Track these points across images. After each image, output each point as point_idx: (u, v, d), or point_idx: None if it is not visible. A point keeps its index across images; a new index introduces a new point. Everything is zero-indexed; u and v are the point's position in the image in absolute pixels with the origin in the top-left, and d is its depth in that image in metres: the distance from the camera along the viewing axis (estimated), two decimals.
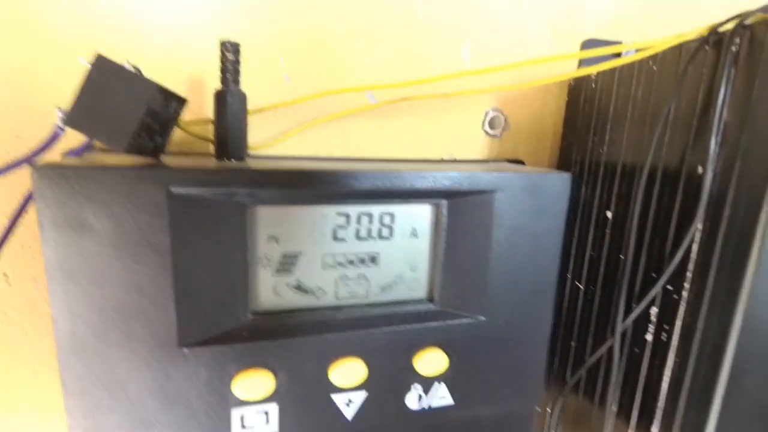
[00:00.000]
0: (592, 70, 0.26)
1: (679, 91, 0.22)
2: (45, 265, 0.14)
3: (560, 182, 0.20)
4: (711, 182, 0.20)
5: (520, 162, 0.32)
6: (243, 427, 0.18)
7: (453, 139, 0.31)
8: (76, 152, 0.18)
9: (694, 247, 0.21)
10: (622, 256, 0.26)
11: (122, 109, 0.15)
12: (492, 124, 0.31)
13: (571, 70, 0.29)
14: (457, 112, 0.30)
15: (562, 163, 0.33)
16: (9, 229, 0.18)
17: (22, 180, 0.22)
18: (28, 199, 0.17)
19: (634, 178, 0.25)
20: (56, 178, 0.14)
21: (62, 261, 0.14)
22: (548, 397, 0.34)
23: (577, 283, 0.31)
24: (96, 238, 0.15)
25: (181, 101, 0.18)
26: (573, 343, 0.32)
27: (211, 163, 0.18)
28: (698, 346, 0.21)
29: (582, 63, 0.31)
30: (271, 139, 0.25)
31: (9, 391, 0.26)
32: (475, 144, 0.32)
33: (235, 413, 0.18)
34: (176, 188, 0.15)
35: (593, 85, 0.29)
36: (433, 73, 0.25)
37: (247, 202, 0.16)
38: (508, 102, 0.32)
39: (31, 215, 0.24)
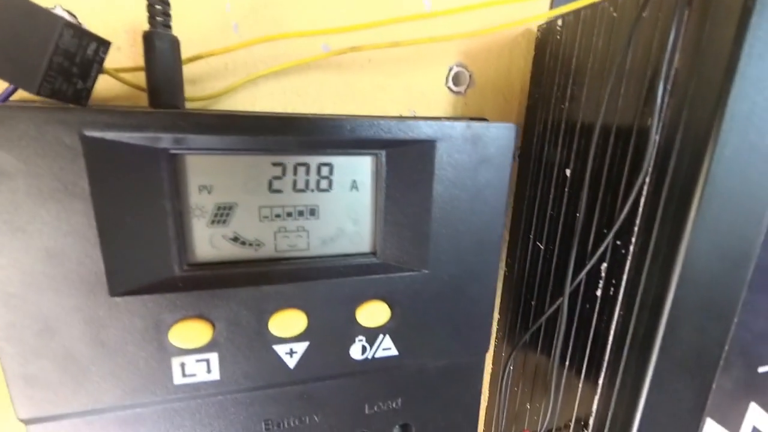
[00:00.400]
0: (554, 13, 0.25)
1: (632, 38, 0.21)
2: None
3: (504, 133, 0.19)
4: (659, 132, 0.20)
5: (485, 121, 0.31)
6: (185, 375, 0.18)
7: (415, 96, 0.30)
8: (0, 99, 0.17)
9: (642, 201, 0.21)
10: (578, 214, 0.26)
11: (29, 48, 0.14)
12: (456, 81, 0.30)
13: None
14: (419, 67, 0.29)
15: (528, 122, 0.32)
16: None
17: None
18: None
19: (592, 134, 0.24)
20: None
21: None
22: (507, 355, 0.35)
23: (538, 243, 0.31)
24: (13, 184, 0.14)
25: (104, 43, 0.17)
26: (533, 302, 0.32)
27: None
28: (641, 299, 0.22)
29: (554, 5, 0.30)
30: (217, 93, 0.24)
31: None
32: (438, 101, 0.31)
33: (175, 361, 0.18)
34: (90, 131, 0.15)
35: (558, 38, 0.28)
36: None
37: (171, 149, 0.16)
38: (474, 57, 0.30)
39: None
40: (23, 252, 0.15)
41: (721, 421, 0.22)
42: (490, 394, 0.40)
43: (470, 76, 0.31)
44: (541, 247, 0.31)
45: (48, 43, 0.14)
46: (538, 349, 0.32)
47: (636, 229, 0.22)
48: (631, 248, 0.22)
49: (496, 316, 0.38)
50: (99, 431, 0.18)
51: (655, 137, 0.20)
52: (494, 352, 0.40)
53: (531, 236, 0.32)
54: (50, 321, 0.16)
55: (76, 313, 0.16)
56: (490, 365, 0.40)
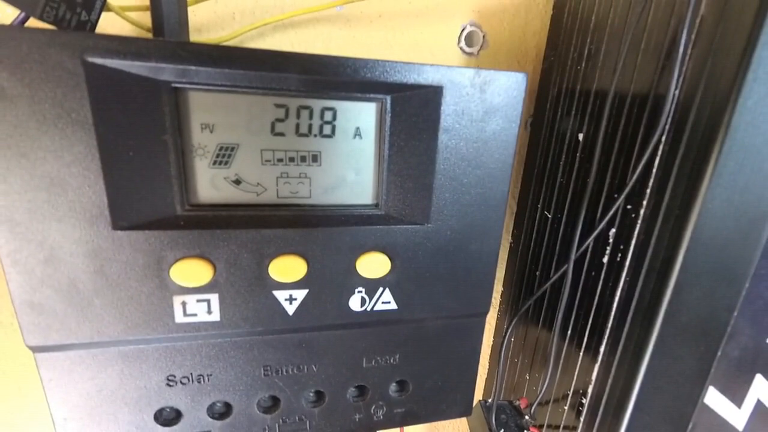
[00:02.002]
0: None
1: None
2: None
3: (515, 81, 0.19)
4: (679, 87, 0.19)
5: None
6: (186, 314, 0.19)
7: (424, 56, 0.29)
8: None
9: (656, 161, 0.21)
10: (589, 180, 0.25)
11: None
12: (469, 41, 0.29)
13: None
14: (430, 25, 0.29)
15: (542, 88, 0.31)
16: None
17: None
18: None
19: (607, 95, 0.23)
20: None
21: None
22: (509, 322, 0.35)
23: (546, 212, 0.31)
24: (15, 107, 0.14)
25: None
26: (537, 273, 0.32)
27: None
28: (649, 263, 0.21)
29: None
30: (221, 40, 0.24)
31: None
32: (449, 62, 0.30)
33: (177, 300, 0.18)
34: (93, 57, 0.14)
35: None
36: None
37: (174, 82, 0.16)
38: (488, 16, 0.29)
39: None
40: (27, 179, 0.15)
41: (724, 391, 0.22)
42: (489, 365, 0.40)
43: (484, 36, 0.30)
44: (549, 216, 0.30)
45: None
46: (540, 320, 0.32)
47: (648, 191, 0.21)
48: (642, 211, 0.22)
49: (499, 288, 0.38)
50: (102, 364, 0.19)
51: (674, 92, 0.19)
52: (495, 325, 0.40)
53: (539, 206, 0.32)
54: (55, 250, 0.16)
55: (79, 244, 0.16)
56: (491, 338, 0.40)
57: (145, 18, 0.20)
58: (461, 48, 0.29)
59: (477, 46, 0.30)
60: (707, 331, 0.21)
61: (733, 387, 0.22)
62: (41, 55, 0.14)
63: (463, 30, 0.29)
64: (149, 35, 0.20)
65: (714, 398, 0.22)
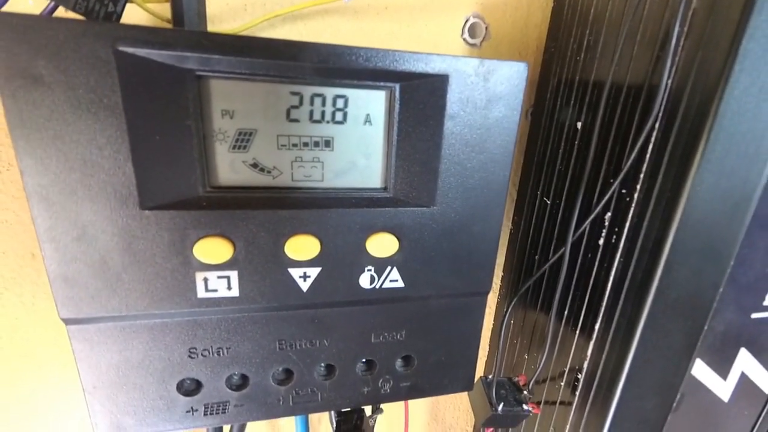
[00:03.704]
0: None
1: None
2: (5, 116, 0.15)
3: (517, 71, 0.20)
4: (672, 76, 0.20)
5: None
6: (207, 289, 0.20)
7: (430, 47, 0.30)
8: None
9: (650, 147, 0.22)
10: (586, 166, 0.26)
11: None
12: (472, 32, 0.30)
13: None
14: (435, 17, 0.30)
15: (542, 79, 0.32)
16: None
17: None
18: None
19: (605, 85, 0.25)
20: (4, 25, 0.14)
21: (21, 112, 0.15)
22: (508, 303, 0.36)
23: (545, 199, 0.32)
24: (50, 93, 0.15)
25: None
26: (536, 257, 0.33)
27: None
28: (641, 244, 0.22)
29: None
30: (234, 31, 0.25)
31: (10, 272, 0.28)
32: (453, 53, 0.31)
33: (199, 276, 0.20)
34: (123, 46, 0.15)
35: None
36: None
37: (197, 70, 0.17)
38: (491, 8, 0.30)
39: None
40: (63, 160, 0.16)
41: (710, 363, 0.23)
42: (489, 348, 0.42)
43: (486, 28, 0.31)
44: (548, 202, 0.32)
45: None
46: (538, 303, 0.33)
47: (642, 176, 0.22)
48: (636, 195, 0.23)
49: (499, 274, 0.39)
50: (129, 336, 0.20)
51: (667, 81, 0.20)
52: (495, 309, 0.41)
53: (539, 193, 0.33)
54: (87, 228, 0.18)
55: (109, 223, 0.18)
56: (491, 322, 0.41)
57: (164, 9, 0.21)
58: (464, 39, 0.30)
59: (480, 38, 0.30)
60: (695, 306, 0.22)
61: (719, 360, 0.24)
62: (76, 44, 0.15)
63: (466, 22, 0.30)
64: (168, 26, 0.21)
65: (701, 370, 0.24)
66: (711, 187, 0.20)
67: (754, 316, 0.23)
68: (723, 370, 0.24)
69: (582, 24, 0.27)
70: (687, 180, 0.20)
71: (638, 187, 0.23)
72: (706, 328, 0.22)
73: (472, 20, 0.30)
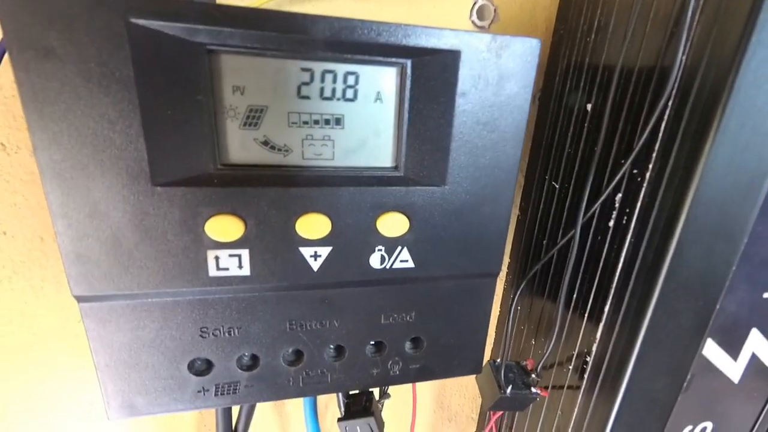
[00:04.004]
0: None
1: None
2: (18, 89, 0.15)
3: (529, 47, 0.20)
4: (686, 53, 0.20)
5: None
6: (218, 268, 0.20)
7: None
8: None
9: (662, 126, 0.22)
10: (595, 148, 0.26)
11: None
12: (480, 14, 0.30)
13: None
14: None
15: (551, 62, 0.32)
16: None
17: None
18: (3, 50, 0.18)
19: (616, 66, 0.24)
20: None
21: (34, 85, 0.15)
22: (516, 287, 0.36)
23: (553, 183, 0.32)
24: (61, 65, 0.15)
25: None
26: (545, 242, 0.33)
27: None
28: (653, 223, 0.22)
29: None
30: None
31: (19, 256, 0.28)
32: None
33: (211, 254, 0.20)
34: (135, 18, 0.15)
35: None
36: None
37: (208, 44, 0.17)
38: None
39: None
40: (75, 135, 0.16)
41: (721, 344, 0.23)
42: (495, 334, 0.42)
43: (495, 10, 0.30)
44: (557, 186, 0.31)
45: None
46: (546, 289, 0.33)
47: (654, 155, 0.22)
48: (648, 175, 0.23)
49: (506, 260, 0.39)
50: (141, 315, 0.20)
51: (681, 57, 0.20)
52: (502, 295, 0.41)
53: (546, 177, 0.33)
54: (99, 204, 0.17)
55: (121, 199, 0.18)
56: (497, 308, 0.41)
57: None
58: (473, 21, 0.30)
59: (488, 20, 0.30)
60: (706, 286, 0.22)
61: (729, 340, 0.24)
62: (89, 16, 0.15)
63: (474, 4, 0.30)
64: None
65: (712, 350, 0.24)
66: (725, 164, 0.20)
67: (767, 295, 0.23)
68: (734, 351, 0.24)
69: (592, 5, 0.27)
70: (700, 157, 0.20)
71: (650, 166, 0.22)
72: (717, 307, 0.22)
73: (480, 2, 0.30)
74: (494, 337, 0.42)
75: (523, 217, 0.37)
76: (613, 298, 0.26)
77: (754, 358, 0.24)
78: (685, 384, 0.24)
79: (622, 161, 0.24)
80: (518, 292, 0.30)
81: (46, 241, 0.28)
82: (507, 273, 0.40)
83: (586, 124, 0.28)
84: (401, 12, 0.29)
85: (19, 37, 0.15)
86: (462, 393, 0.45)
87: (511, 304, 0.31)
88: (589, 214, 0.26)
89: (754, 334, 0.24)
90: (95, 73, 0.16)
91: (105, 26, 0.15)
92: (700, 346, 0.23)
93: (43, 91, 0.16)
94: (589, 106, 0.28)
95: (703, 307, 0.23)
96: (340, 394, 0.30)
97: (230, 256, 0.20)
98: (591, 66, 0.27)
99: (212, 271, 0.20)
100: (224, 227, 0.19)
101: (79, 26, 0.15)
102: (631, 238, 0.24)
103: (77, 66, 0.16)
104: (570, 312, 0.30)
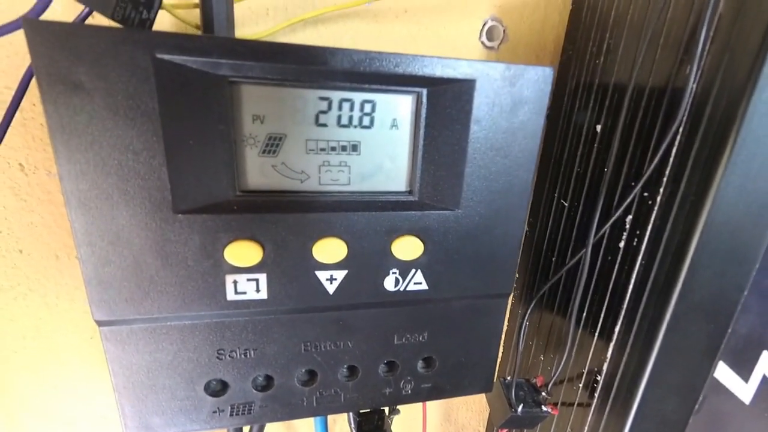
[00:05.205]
0: None
1: None
2: (46, 121, 0.16)
3: (542, 75, 0.20)
4: (697, 80, 0.20)
5: None
6: (236, 292, 0.20)
7: (448, 50, 0.30)
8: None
9: (674, 150, 0.22)
10: (606, 169, 0.26)
11: None
12: (490, 35, 0.31)
13: None
14: (454, 20, 0.30)
15: (559, 81, 0.32)
16: (14, 105, 0.19)
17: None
18: (31, 74, 0.18)
19: (626, 88, 0.25)
20: (46, 34, 0.15)
21: (62, 118, 0.16)
22: (526, 307, 0.36)
23: (563, 201, 0.32)
24: (89, 98, 0.16)
25: None
26: (553, 258, 0.33)
27: None
28: (664, 246, 0.23)
29: None
30: (258, 35, 0.25)
31: (35, 273, 0.29)
32: (471, 56, 0.31)
33: (229, 279, 0.20)
34: (161, 54, 0.16)
35: None
36: None
37: (230, 76, 0.17)
38: (509, 10, 0.30)
39: (39, 108, 0.25)
40: (100, 165, 0.17)
41: (732, 366, 0.24)
42: (503, 349, 0.42)
43: (504, 30, 0.31)
44: (566, 204, 0.32)
45: None
46: (555, 305, 0.33)
47: (665, 179, 0.22)
48: (659, 198, 0.23)
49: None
50: (159, 338, 0.20)
51: (692, 85, 0.20)
52: (510, 310, 0.41)
53: (555, 195, 0.33)
54: (121, 232, 0.18)
55: (144, 226, 0.18)
56: (506, 324, 0.42)
57: (192, 15, 0.21)
58: (482, 42, 0.30)
59: (497, 41, 0.31)
60: (719, 309, 0.22)
61: (741, 362, 0.24)
62: (116, 52, 0.15)
63: (484, 25, 0.30)
64: (197, 32, 0.22)
65: (724, 373, 0.24)
66: (737, 190, 0.20)
67: None
68: (745, 373, 0.24)
69: (602, 27, 0.27)
70: (713, 184, 0.20)
71: (661, 190, 0.23)
72: (729, 330, 0.22)
73: (490, 23, 0.30)
74: (502, 352, 0.42)
75: (531, 232, 0.37)
76: (624, 318, 0.26)
77: (765, 381, 0.25)
78: (696, 406, 0.24)
79: (633, 183, 0.24)
80: (529, 311, 0.30)
81: (61, 258, 0.29)
82: (515, 287, 0.40)
83: (595, 145, 0.28)
84: (412, 33, 0.29)
85: (49, 72, 0.15)
86: (469, 406, 0.45)
87: (521, 323, 0.31)
88: (599, 234, 0.26)
89: (765, 356, 0.24)
90: (122, 105, 0.16)
91: (132, 61, 0.16)
92: (712, 368, 0.23)
93: (70, 123, 0.16)
94: (598, 127, 0.28)
95: (715, 330, 0.23)
96: (350, 412, 0.30)
97: (248, 280, 0.20)
98: (600, 87, 0.28)
99: (230, 295, 0.20)
100: (243, 252, 0.19)
101: (107, 61, 0.15)
102: (642, 259, 0.24)
103: (105, 99, 0.16)
104: (580, 330, 0.30)
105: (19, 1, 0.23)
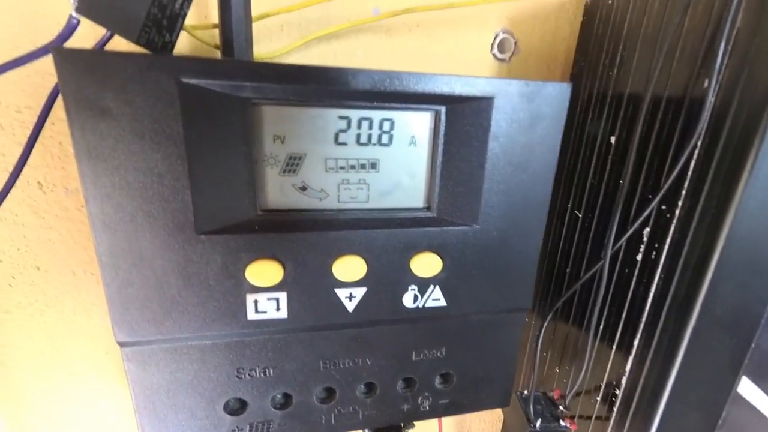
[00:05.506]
0: None
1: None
2: (73, 146, 0.16)
3: (560, 92, 0.20)
4: (715, 94, 0.20)
5: None
6: (257, 311, 0.20)
7: (460, 63, 0.30)
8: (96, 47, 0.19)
9: (692, 164, 0.22)
10: (621, 181, 0.26)
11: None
12: (501, 48, 0.31)
13: None
14: (465, 33, 0.30)
15: (572, 89, 0.32)
16: (38, 127, 0.19)
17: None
18: (55, 95, 0.18)
19: (641, 100, 0.25)
20: (75, 61, 0.15)
21: (89, 142, 0.16)
22: (542, 320, 0.36)
23: (576, 212, 0.32)
24: (116, 123, 0.16)
25: None
26: (568, 270, 0.33)
27: None
28: (684, 260, 0.22)
29: None
30: (275, 53, 0.26)
31: (52, 290, 0.29)
32: (482, 68, 0.31)
33: (250, 298, 0.20)
34: (186, 78, 0.16)
35: (610, 2, 0.28)
36: None
37: (252, 98, 0.17)
38: (520, 22, 0.31)
39: (57, 127, 0.26)
40: (125, 188, 0.17)
41: (756, 381, 0.23)
42: (518, 362, 0.41)
43: (515, 43, 0.31)
44: (579, 215, 0.32)
45: None
46: (570, 317, 0.33)
47: (684, 192, 0.22)
48: (677, 212, 0.23)
49: None
50: (180, 357, 0.20)
51: (711, 99, 0.20)
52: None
53: (569, 206, 0.33)
54: (145, 253, 0.18)
55: (167, 247, 0.18)
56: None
57: (210, 36, 0.22)
58: (494, 54, 0.31)
59: (509, 53, 0.31)
60: (741, 322, 0.22)
61: (765, 377, 0.23)
62: (143, 78, 0.16)
63: (496, 37, 0.30)
64: (216, 52, 0.22)
65: (747, 388, 0.23)
66: (758, 203, 0.20)
67: None
68: None
69: (615, 39, 0.28)
70: (734, 198, 0.20)
71: (680, 203, 0.23)
72: (753, 345, 0.22)
73: (501, 36, 0.30)
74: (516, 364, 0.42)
75: (544, 243, 0.37)
76: (643, 331, 0.25)
77: None
78: (720, 421, 0.24)
79: (650, 196, 0.24)
80: (545, 325, 0.29)
81: (77, 274, 0.29)
82: None
83: (610, 156, 0.28)
84: (424, 47, 0.29)
85: (77, 99, 0.15)
86: (482, 418, 0.44)
87: (538, 335, 0.31)
88: (616, 247, 0.26)
89: None
90: (147, 129, 0.16)
91: (158, 86, 0.16)
92: (735, 384, 0.23)
93: (97, 148, 0.16)
94: (612, 139, 0.28)
95: (738, 344, 0.22)
96: (365, 430, 0.30)
97: (268, 299, 0.20)
98: (614, 98, 0.28)
99: (251, 315, 0.20)
100: (264, 272, 0.19)
101: (133, 87, 0.16)
102: (661, 273, 0.24)
103: (131, 124, 0.16)
104: (597, 343, 0.29)
105: (30, 23, 0.23)
